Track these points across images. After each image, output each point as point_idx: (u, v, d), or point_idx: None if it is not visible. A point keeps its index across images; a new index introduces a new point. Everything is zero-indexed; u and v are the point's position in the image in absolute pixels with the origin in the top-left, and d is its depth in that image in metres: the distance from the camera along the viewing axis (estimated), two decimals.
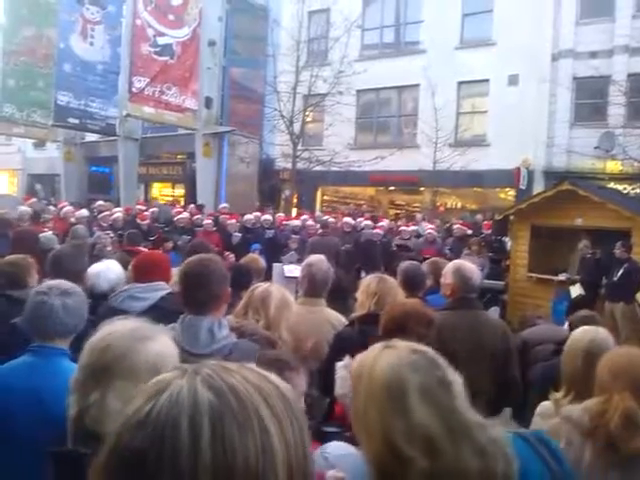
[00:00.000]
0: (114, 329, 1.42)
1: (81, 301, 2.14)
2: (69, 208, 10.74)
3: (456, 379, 1.19)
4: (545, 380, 2.73)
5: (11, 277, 3.29)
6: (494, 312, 8.63)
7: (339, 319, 3.32)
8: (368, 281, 3.14)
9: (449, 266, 3.48)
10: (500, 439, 1.16)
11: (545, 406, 2.31)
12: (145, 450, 0.63)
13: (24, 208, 9.10)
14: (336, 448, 1.72)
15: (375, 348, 1.27)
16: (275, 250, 9.96)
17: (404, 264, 3.98)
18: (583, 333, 2.40)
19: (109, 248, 6.59)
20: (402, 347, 1.24)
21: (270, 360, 2.05)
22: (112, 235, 8.23)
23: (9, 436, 1.86)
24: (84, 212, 10.40)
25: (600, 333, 2.35)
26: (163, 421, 0.64)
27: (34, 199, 12.48)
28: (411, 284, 3.77)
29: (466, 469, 1.09)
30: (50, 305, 2.02)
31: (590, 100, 16.21)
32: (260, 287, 2.72)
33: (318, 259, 3.57)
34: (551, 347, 3.38)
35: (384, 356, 1.23)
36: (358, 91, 18.95)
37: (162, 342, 1.44)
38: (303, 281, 3.44)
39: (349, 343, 2.83)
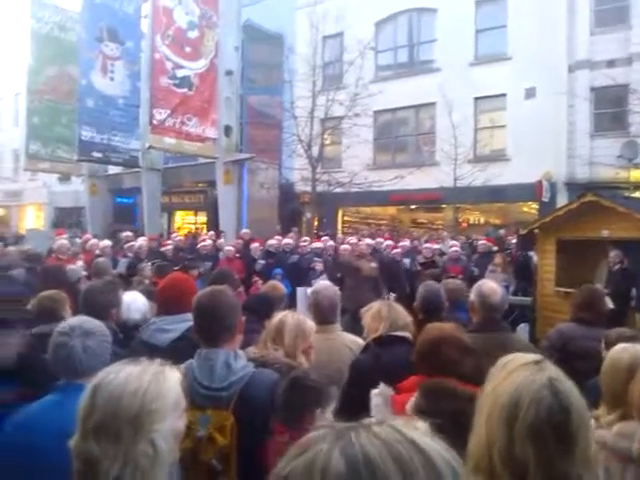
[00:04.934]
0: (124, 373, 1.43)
1: (104, 340, 2.14)
2: (94, 241, 10.92)
3: (585, 437, 1.14)
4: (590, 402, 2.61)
5: (48, 311, 3.42)
6: (523, 329, 8.49)
7: (357, 342, 3.30)
8: (377, 307, 3.11)
9: (474, 286, 3.45)
10: None
11: None
12: None
13: (62, 242, 9.31)
14: None
15: (522, 358, 1.27)
16: (299, 275, 9.94)
17: (422, 287, 3.93)
18: (623, 351, 2.32)
19: (147, 281, 6.55)
20: (543, 376, 1.21)
21: None
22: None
23: (40, 472, 1.88)
24: (107, 242, 10.57)
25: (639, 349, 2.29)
26: None
27: (65, 234, 12.74)
28: (429, 307, 3.73)
29: None
30: (71, 347, 2.02)
31: (609, 109, 16.05)
32: (276, 317, 2.72)
33: (324, 286, 3.57)
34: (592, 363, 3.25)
35: (518, 374, 1.22)
36: (375, 112, 19.09)
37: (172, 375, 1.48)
38: (311, 310, 3.42)
39: (365, 369, 2.81)
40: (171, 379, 1.45)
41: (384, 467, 0.64)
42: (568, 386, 1.21)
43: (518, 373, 1.22)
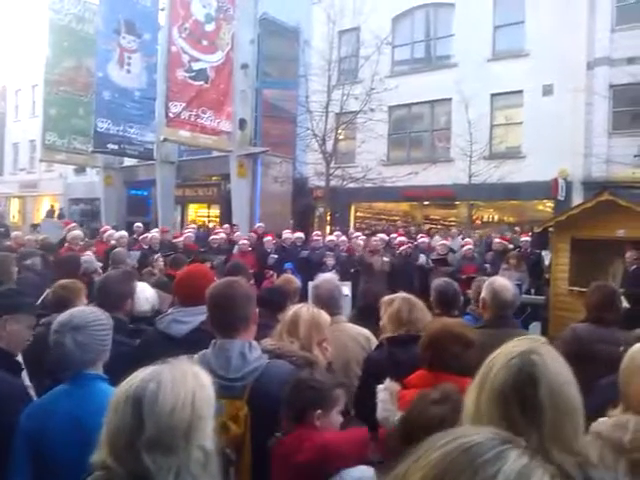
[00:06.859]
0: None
1: (99, 331, 2.14)
2: (111, 231, 11.00)
3: (555, 413, 1.17)
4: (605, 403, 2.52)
5: (62, 300, 3.45)
6: (535, 328, 8.44)
7: (364, 335, 3.29)
8: (398, 306, 3.06)
9: (485, 283, 3.43)
10: None
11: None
12: None
13: (76, 232, 9.38)
14: (355, 471, 1.83)
15: (524, 339, 1.29)
16: (310, 269, 9.94)
17: (437, 282, 3.91)
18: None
19: (157, 273, 6.60)
20: (523, 348, 1.23)
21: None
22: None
23: (49, 458, 1.93)
24: (123, 234, 10.61)
25: None
26: None
27: (74, 224, 12.81)
28: (445, 302, 3.71)
29: None
30: (62, 344, 2.06)
31: (628, 108, 15.83)
32: (291, 309, 2.73)
33: (323, 279, 3.56)
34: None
35: (505, 346, 1.26)
36: (390, 107, 19.00)
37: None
38: (313, 304, 3.41)
39: (379, 366, 2.81)
40: (208, 381, 1.44)
41: None
42: (549, 362, 1.20)
43: (506, 346, 1.24)
